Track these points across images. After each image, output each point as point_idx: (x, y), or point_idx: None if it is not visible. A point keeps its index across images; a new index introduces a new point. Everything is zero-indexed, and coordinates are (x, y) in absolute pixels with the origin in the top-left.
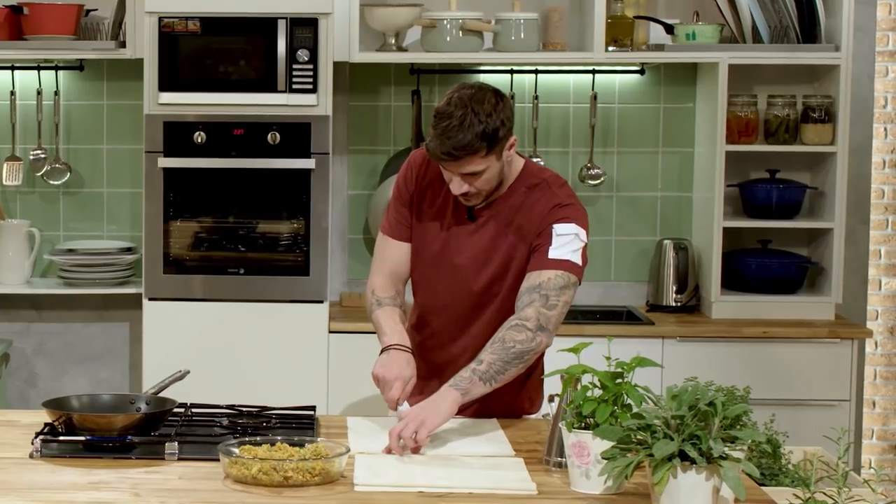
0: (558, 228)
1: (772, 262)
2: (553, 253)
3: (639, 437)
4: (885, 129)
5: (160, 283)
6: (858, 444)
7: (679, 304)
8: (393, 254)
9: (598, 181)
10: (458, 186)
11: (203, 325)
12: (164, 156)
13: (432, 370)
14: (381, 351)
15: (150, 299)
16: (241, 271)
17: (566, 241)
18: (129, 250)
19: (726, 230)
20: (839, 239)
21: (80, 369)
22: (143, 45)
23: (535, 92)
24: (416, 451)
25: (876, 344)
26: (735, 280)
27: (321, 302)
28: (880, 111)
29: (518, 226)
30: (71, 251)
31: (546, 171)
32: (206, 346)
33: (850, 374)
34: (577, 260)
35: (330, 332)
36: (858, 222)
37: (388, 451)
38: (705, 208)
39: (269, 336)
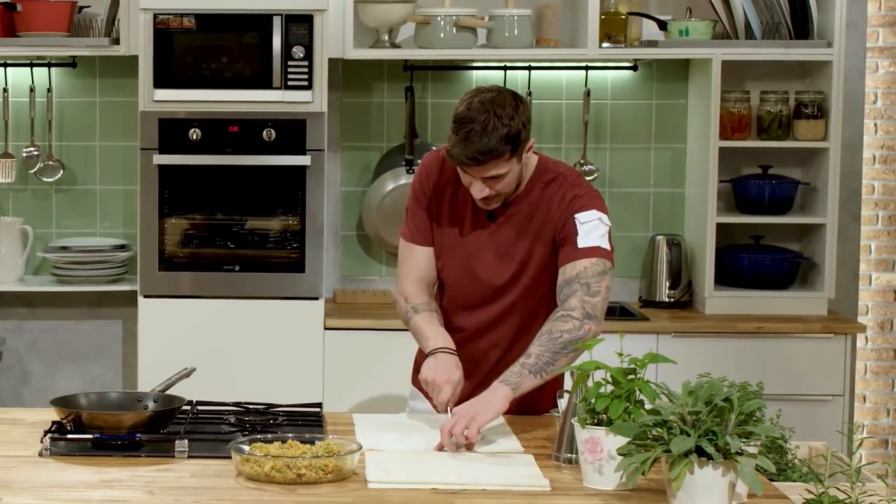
0: (580, 217)
1: (765, 258)
2: (582, 242)
3: (654, 433)
4: (875, 124)
5: (155, 281)
6: (850, 438)
7: (672, 299)
8: (418, 260)
9: (591, 177)
10: (479, 190)
11: (198, 323)
12: (159, 153)
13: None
14: (427, 354)
15: (145, 296)
16: (237, 268)
17: (591, 227)
18: (122, 247)
19: (718, 226)
20: (832, 234)
21: (73, 367)
22: (138, 41)
23: (529, 88)
24: (469, 447)
25: (866, 339)
26: (728, 276)
27: (316, 299)
28: (870, 107)
29: (537, 222)
30: (64, 248)
31: (561, 164)
32: (201, 343)
33: (844, 370)
34: (606, 245)
35: (325, 328)
36: (850, 218)
37: (441, 448)
38: (698, 204)
39: (265, 333)
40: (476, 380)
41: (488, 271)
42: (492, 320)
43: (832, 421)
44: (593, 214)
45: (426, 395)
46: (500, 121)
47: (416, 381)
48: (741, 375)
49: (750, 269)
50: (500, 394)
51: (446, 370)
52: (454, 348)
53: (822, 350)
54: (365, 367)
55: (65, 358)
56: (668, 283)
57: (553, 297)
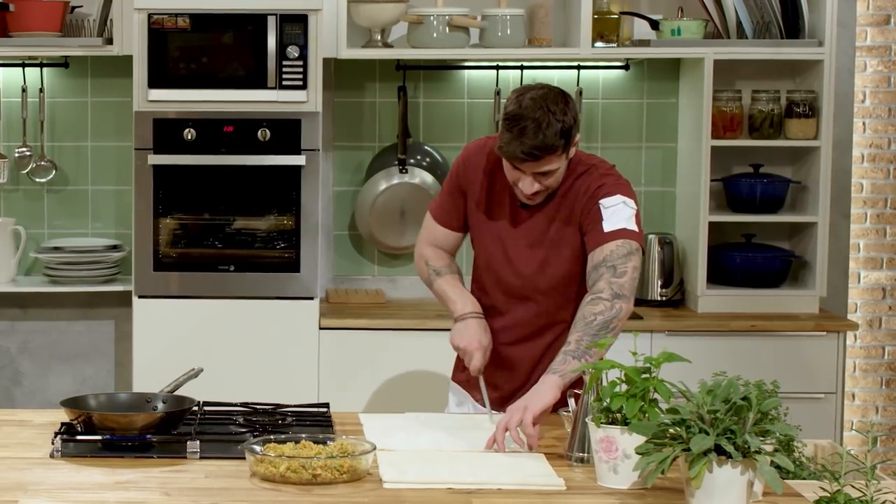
0: (604, 202)
1: (756, 256)
2: (607, 226)
3: (671, 431)
4: (864, 123)
5: (150, 281)
6: (841, 436)
7: (664, 298)
8: (438, 234)
9: None
10: (529, 186)
11: (193, 323)
12: (154, 153)
13: (493, 355)
14: (456, 320)
15: (139, 297)
16: (232, 268)
17: (615, 210)
18: (114, 248)
19: (710, 224)
20: (823, 233)
21: (65, 367)
22: (132, 41)
23: None
24: (531, 446)
25: (855, 337)
26: (719, 274)
27: (311, 298)
28: (859, 106)
29: (566, 211)
30: (57, 249)
31: (594, 157)
32: (196, 343)
33: (837, 368)
34: (633, 227)
35: (320, 328)
36: (840, 216)
37: (492, 443)
38: (689, 203)
39: (260, 333)
40: (518, 371)
41: (520, 258)
42: (525, 305)
43: (825, 419)
44: (617, 199)
45: (466, 389)
46: (553, 116)
47: (456, 378)
48: (734, 373)
49: (741, 268)
50: (547, 382)
51: (475, 336)
52: (481, 311)
53: (814, 348)
54: (361, 366)
55: (57, 358)
56: (660, 282)
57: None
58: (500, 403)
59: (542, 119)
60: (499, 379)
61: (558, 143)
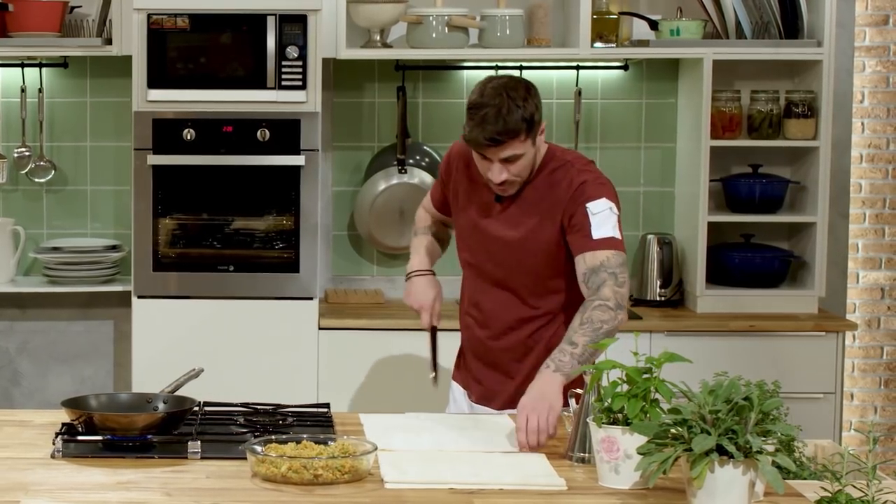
0: (592, 207)
1: (755, 257)
2: (597, 233)
3: (673, 431)
4: (862, 123)
5: (149, 281)
6: (840, 436)
7: (663, 298)
8: (432, 209)
9: None
10: (497, 173)
11: (192, 323)
12: (154, 153)
13: (478, 350)
14: (405, 278)
15: (139, 297)
16: (231, 268)
17: (604, 217)
18: (114, 248)
19: (709, 225)
20: (822, 233)
21: (64, 367)
22: (131, 41)
23: None
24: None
25: (854, 337)
26: (718, 274)
27: (311, 299)
28: (857, 106)
29: (544, 205)
30: (56, 249)
31: (570, 152)
32: (195, 343)
33: (835, 368)
34: (619, 235)
35: (319, 328)
36: (838, 216)
37: (525, 445)
38: (688, 203)
39: (259, 333)
40: (502, 367)
41: (498, 249)
42: (505, 297)
43: (824, 419)
44: (604, 203)
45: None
46: (513, 102)
47: (455, 377)
48: (734, 374)
49: (740, 268)
50: (558, 382)
51: (421, 294)
52: (427, 268)
53: (813, 348)
54: (360, 367)
55: (56, 359)
56: (659, 282)
57: (565, 278)
58: (486, 399)
59: (501, 105)
60: (484, 374)
61: (520, 126)
